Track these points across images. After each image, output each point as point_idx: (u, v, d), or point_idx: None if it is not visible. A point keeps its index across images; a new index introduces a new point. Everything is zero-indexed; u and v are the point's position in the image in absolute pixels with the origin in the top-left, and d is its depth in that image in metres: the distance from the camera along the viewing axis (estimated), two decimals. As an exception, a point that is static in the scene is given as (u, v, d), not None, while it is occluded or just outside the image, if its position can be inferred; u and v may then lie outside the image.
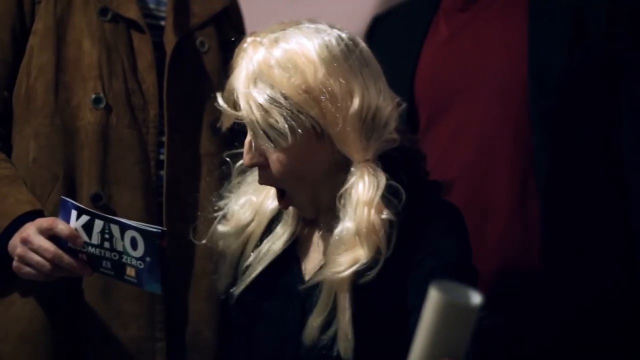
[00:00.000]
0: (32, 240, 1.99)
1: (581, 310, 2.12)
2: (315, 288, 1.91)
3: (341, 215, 1.88)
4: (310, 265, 1.98)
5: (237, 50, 1.94)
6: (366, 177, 1.87)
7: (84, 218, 1.93)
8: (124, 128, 2.15)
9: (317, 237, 2.00)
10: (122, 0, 2.20)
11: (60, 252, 1.97)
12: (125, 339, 2.10)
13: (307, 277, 1.97)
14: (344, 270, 1.85)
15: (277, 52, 1.89)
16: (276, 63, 1.88)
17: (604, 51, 2.15)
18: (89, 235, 1.94)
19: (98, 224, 1.92)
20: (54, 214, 2.09)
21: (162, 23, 2.25)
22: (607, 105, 2.16)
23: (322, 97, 1.86)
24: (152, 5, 2.25)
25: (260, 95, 1.87)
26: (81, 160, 2.13)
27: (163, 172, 2.18)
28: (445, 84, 2.22)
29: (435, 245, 1.87)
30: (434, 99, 2.22)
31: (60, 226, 1.98)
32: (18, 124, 2.17)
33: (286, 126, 1.86)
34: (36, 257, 1.99)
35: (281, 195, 1.96)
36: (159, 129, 2.19)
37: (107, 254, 1.93)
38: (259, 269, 2.01)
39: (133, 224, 1.89)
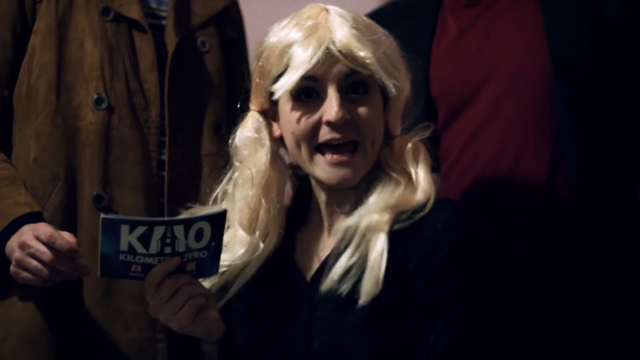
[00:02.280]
0: (30, 245, 1.98)
1: (608, 304, 2.11)
2: (319, 282, 1.91)
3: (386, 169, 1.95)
4: (310, 263, 1.98)
5: (300, 25, 1.93)
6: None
7: (140, 229, 1.78)
8: (126, 128, 2.15)
9: (314, 238, 2.01)
10: (124, 0, 2.19)
11: (58, 256, 1.96)
12: (126, 339, 2.10)
13: (308, 275, 1.97)
14: (385, 212, 1.89)
15: (358, 17, 1.96)
16: (366, 25, 1.95)
17: (623, 37, 2.15)
18: (146, 245, 1.79)
19: (158, 231, 1.78)
20: (54, 214, 2.09)
21: (164, 22, 2.25)
22: (631, 92, 2.16)
23: (395, 63, 1.95)
24: (153, 5, 2.25)
25: (375, 44, 1.93)
26: (83, 161, 2.13)
27: (165, 173, 2.18)
28: (463, 81, 2.20)
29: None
30: (452, 95, 2.20)
31: (59, 242, 1.96)
32: (18, 123, 2.17)
33: (396, 71, 1.94)
34: (34, 262, 1.98)
35: (353, 150, 1.94)
36: (161, 130, 2.19)
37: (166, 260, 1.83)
38: (252, 271, 1.99)
39: (196, 217, 1.80)
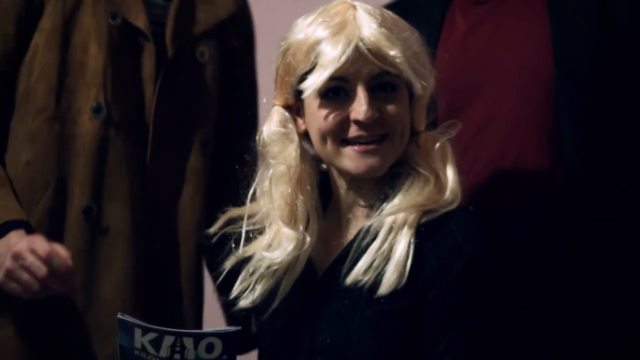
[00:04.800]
0: (26, 258, 1.95)
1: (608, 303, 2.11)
2: (330, 278, 1.93)
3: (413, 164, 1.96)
4: (323, 259, 1.98)
5: (327, 23, 1.92)
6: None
7: (152, 335, 1.85)
8: (121, 140, 2.13)
9: (331, 234, 1.99)
10: (132, 6, 2.16)
11: (53, 274, 1.95)
12: (104, 355, 2.09)
13: (320, 271, 1.97)
14: (413, 209, 1.90)
15: (385, 13, 1.95)
16: (394, 22, 1.95)
17: (630, 40, 2.14)
18: (157, 349, 1.85)
19: (168, 339, 1.85)
20: (41, 221, 2.08)
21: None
22: (635, 96, 2.15)
23: (423, 61, 1.96)
24: (160, 12, 2.22)
25: (404, 42, 1.93)
26: (75, 169, 2.11)
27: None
28: (466, 77, 2.19)
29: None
30: (454, 92, 2.18)
31: (56, 261, 1.95)
32: (14, 123, 2.14)
33: (424, 70, 1.94)
34: (26, 276, 1.96)
35: (381, 139, 1.93)
36: None
37: None
38: (301, 266, 1.99)
39: (208, 332, 1.86)
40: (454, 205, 1.91)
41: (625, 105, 2.14)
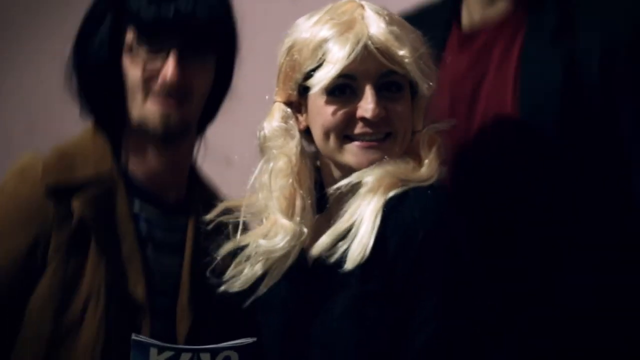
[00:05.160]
0: None
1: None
2: (318, 269, 1.94)
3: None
4: (312, 250, 1.98)
5: (335, 22, 1.94)
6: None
7: (167, 353, 1.87)
8: None
9: (324, 227, 1.99)
10: (132, 276, 2.10)
11: None
12: None
13: (310, 262, 1.98)
14: (384, 177, 1.92)
15: (392, 14, 1.98)
16: (400, 22, 1.97)
17: (599, 99, 2.14)
18: None
19: (185, 356, 1.87)
20: None
21: None
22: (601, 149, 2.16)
23: (429, 62, 1.98)
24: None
25: (412, 42, 1.95)
26: None
27: None
28: (443, 113, 2.20)
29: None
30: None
31: None
32: None
33: (429, 71, 1.97)
34: None
35: (384, 138, 1.96)
36: None
37: None
38: (293, 258, 2.00)
39: (224, 346, 1.87)
40: (427, 182, 1.93)
41: (589, 159, 2.14)
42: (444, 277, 1.88)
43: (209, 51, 2.15)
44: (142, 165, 2.16)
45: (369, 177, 1.93)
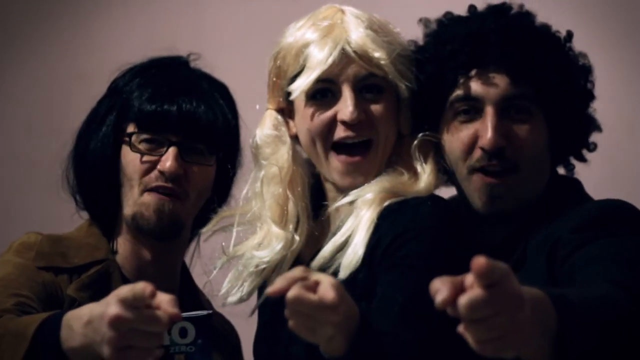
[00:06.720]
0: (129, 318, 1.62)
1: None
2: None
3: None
4: (309, 257, 1.99)
5: (317, 26, 1.96)
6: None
7: None
8: None
9: (321, 233, 2.01)
10: None
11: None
12: None
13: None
14: (380, 192, 1.92)
15: (374, 17, 1.99)
16: (381, 25, 1.99)
17: None
18: None
19: None
20: None
21: None
22: None
23: (409, 64, 1.99)
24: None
25: (390, 45, 1.96)
26: None
27: None
28: None
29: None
30: None
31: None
32: None
33: (409, 73, 1.97)
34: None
35: (365, 148, 1.97)
36: None
37: None
38: (288, 265, 2.00)
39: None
40: (425, 194, 1.93)
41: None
42: (420, 251, 1.85)
43: (209, 151, 2.15)
44: (132, 261, 2.16)
45: (367, 194, 1.93)
